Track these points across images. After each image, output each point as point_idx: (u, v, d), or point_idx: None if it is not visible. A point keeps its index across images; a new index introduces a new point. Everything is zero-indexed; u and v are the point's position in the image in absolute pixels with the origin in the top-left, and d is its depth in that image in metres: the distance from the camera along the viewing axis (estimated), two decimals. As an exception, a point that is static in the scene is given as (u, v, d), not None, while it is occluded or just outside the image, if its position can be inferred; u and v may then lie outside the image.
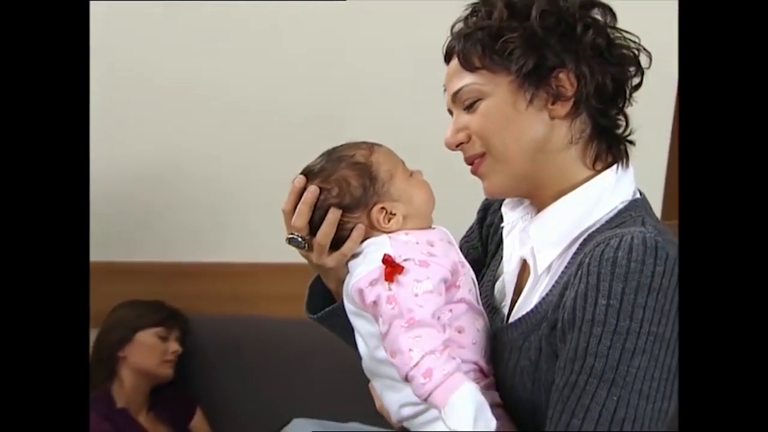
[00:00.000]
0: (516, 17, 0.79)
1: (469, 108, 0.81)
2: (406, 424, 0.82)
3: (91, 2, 1.54)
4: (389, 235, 0.82)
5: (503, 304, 0.87)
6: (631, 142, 0.83)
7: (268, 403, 1.70)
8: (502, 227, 0.90)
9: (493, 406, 0.78)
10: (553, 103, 0.79)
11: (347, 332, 0.86)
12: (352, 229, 0.83)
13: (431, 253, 0.80)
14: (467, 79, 0.81)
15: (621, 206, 0.80)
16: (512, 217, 0.88)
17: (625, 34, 0.81)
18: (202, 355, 1.74)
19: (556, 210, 0.80)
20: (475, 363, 0.81)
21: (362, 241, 0.84)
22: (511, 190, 0.85)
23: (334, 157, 0.86)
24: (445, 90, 0.85)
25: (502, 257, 0.90)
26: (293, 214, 0.84)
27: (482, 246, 0.98)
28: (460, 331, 0.81)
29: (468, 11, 0.83)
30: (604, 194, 0.80)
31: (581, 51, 0.78)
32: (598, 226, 0.79)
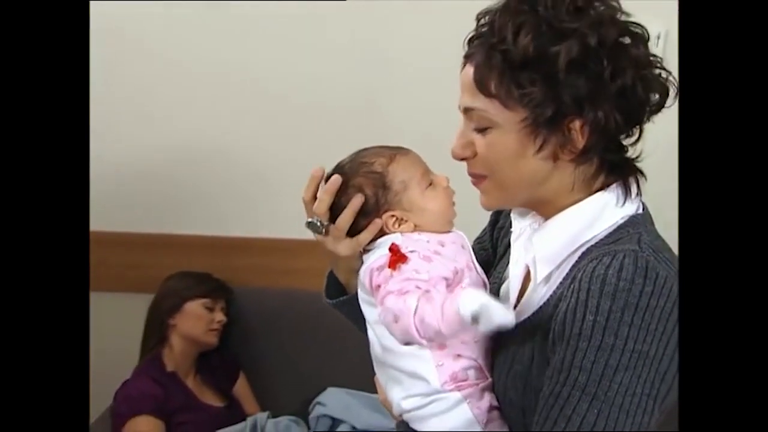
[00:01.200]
0: (544, 48, 0.73)
1: (478, 131, 0.80)
2: (405, 417, 0.84)
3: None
4: (403, 233, 0.85)
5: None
6: (640, 171, 0.81)
7: (305, 372, 1.76)
8: (512, 231, 0.91)
9: (491, 409, 0.81)
10: (560, 147, 0.77)
11: (360, 320, 0.90)
12: (365, 226, 0.86)
13: (438, 252, 0.82)
14: (480, 103, 0.78)
15: (621, 221, 0.79)
16: (521, 223, 0.88)
17: (657, 67, 0.77)
18: (244, 324, 1.79)
19: (558, 222, 0.81)
20: (475, 360, 0.83)
21: (377, 239, 0.87)
22: (508, 206, 0.87)
23: (356, 162, 0.89)
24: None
25: (509, 261, 0.90)
26: (313, 203, 0.88)
27: (492, 248, 0.99)
28: None
29: (501, 7, 0.77)
30: (606, 209, 0.79)
31: (602, 97, 0.74)
32: (596, 240, 0.79)
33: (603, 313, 0.71)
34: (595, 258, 0.74)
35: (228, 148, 1.80)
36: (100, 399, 1.60)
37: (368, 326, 0.89)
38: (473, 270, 0.86)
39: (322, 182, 0.90)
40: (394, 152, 0.89)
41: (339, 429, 1.69)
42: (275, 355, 1.79)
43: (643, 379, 0.70)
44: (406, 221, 0.86)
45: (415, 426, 0.84)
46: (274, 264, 1.83)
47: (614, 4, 0.78)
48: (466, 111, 0.81)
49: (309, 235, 1.95)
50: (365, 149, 0.91)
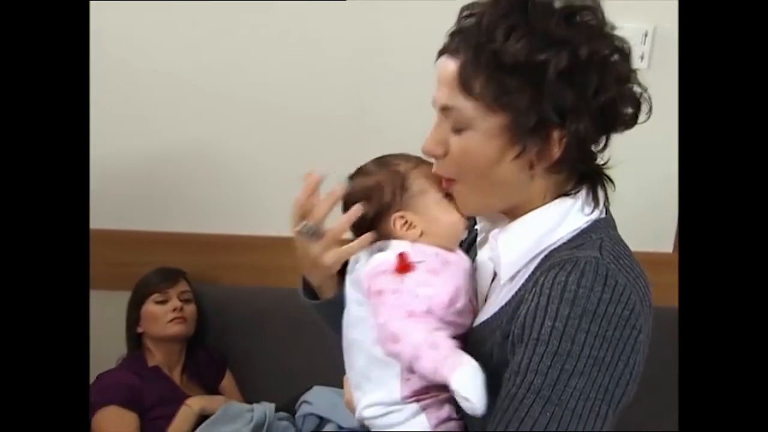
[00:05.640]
0: (535, 53, 0.72)
1: (455, 130, 0.78)
2: (365, 423, 0.85)
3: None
4: (412, 242, 0.84)
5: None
6: (609, 179, 0.82)
7: (291, 370, 1.76)
8: (476, 229, 0.91)
9: (449, 419, 0.81)
10: (537, 155, 0.77)
11: (337, 322, 0.89)
12: (371, 222, 0.85)
13: (443, 269, 0.82)
14: (460, 103, 0.76)
15: (584, 225, 0.80)
16: (485, 225, 0.89)
17: (636, 85, 0.78)
18: (231, 322, 1.79)
19: (522, 225, 0.81)
20: None
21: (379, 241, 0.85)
22: (482, 213, 0.87)
23: (381, 162, 0.88)
24: (437, 78, 0.79)
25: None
26: (303, 206, 0.86)
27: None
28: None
29: (485, 10, 0.75)
30: (570, 214, 0.80)
31: (584, 110, 0.74)
32: (559, 244, 0.80)
33: (561, 319, 0.72)
34: (557, 264, 0.75)
35: (215, 147, 1.80)
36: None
37: (347, 325, 0.87)
38: (467, 297, 0.84)
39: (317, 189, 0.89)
40: (421, 161, 0.88)
41: (325, 428, 1.68)
42: (262, 353, 1.79)
43: (598, 385, 0.72)
44: (414, 227, 0.85)
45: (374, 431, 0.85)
46: (261, 262, 1.83)
47: (602, 17, 0.77)
48: (444, 109, 0.79)
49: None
50: (393, 154, 0.89)
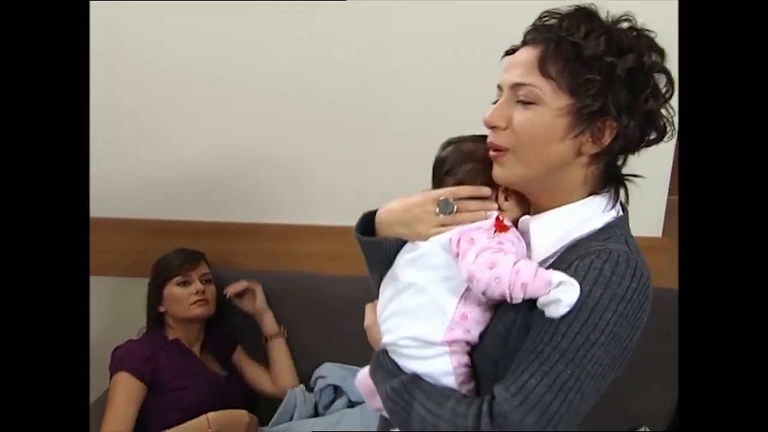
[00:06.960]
0: (608, 53, 0.84)
1: (523, 103, 0.88)
2: (389, 348, 0.93)
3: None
4: (500, 213, 0.94)
5: None
6: (629, 180, 0.93)
7: (303, 349, 1.82)
8: None
9: (466, 365, 0.90)
10: (588, 140, 0.87)
11: (378, 261, 0.97)
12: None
13: (522, 239, 0.93)
14: (534, 79, 0.87)
15: (610, 220, 0.92)
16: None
17: (669, 109, 0.89)
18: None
19: (556, 216, 0.91)
20: (475, 337, 0.91)
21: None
22: (518, 186, 0.94)
23: (475, 139, 0.97)
24: (505, 68, 0.90)
25: None
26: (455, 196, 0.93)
27: None
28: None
29: (570, 12, 0.87)
30: (597, 212, 0.92)
31: (636, 112, 0.86)
32: (587, 235, 0.91)
33: (594, 298, 0.82)
34: (593, 253, 0.85)
35: (233, 140, 1.86)
36: (101, 381, 1.60)
37: (407, 264, 0.94)
38: None
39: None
40: None
41: (336, 402, 1.73)
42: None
43: (611, 355, 0.83)
44: (510, 200, 0.95)
45: (394, 357, 0.93)
46: (274, 248, 1.89)
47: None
48: (514, 86, 0.89)
49: (307, 221, 2.00)
50: (464, 136, 0.99)
